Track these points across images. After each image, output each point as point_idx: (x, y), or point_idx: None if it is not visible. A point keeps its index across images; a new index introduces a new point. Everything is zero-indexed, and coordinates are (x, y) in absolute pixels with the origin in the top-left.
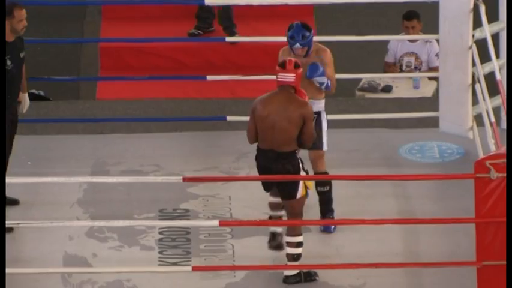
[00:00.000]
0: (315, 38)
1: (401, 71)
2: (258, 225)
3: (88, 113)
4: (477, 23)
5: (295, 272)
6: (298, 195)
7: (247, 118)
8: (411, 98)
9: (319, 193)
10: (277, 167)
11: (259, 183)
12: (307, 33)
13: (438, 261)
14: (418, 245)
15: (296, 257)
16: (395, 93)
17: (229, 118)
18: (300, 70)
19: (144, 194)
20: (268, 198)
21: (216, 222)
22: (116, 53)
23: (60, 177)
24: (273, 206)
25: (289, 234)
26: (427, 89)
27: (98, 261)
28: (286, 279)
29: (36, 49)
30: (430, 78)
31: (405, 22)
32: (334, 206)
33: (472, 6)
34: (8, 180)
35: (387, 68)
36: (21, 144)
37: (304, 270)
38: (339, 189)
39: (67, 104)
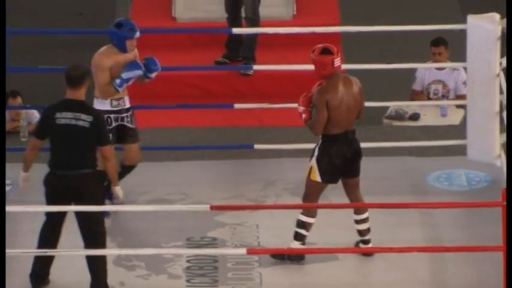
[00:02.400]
0: (343, 66)
1: (429, 98)
2: (285, 253)
3: None
4: (505, 51)
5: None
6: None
7: (274, 146)
8: (438, 125)
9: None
10: (357, 143)
11: (287, 211)
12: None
13: None
14: (445, 273)
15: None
16: (423, 121)
17: (256, 146)
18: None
19: (172, 222)
20: (309, 219)
21: (243, 251)
22: None
23: (87, 206)
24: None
25: (357, 212)
26: (454, 117)
27: None
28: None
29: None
30: (458, 106)
31: (432, 48)
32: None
33: (499, 34)
34: (35, 208)
35: (414, 95)
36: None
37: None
38: None
39: None
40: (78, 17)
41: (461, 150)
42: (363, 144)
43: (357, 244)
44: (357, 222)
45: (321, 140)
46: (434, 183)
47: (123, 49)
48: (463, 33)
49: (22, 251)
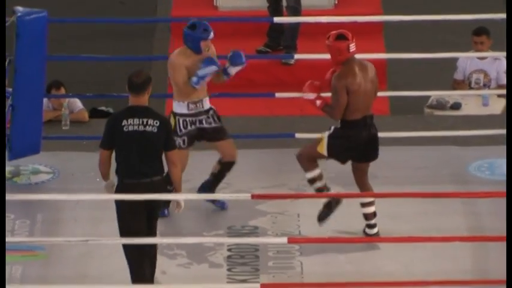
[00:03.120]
0: (385, 55)
1: (470, 88)
2: (326, 242)
3: None
4: None
5: (376, 231)
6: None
7: (315, 135)
8: (480, 115)
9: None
10: (375, 128)
11: (328, 199)
12: (207, 28)
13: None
14: (487, 262)
15: (370, 226)
16: (464, 111)
17: (297, 135)
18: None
19: (213, 211)
20: (314, 173)
21: (284, 240)
22: None
23: (128, 195)
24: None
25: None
26: (496, 106)
27: (167, 278)
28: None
29: (106, 66)
30: (499, 96)
31: (474, 37)
32: (403, 223)
33: None
34: (78, 197)
35: (456, 85)
36: (90, 161)
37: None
38: (407, 207)
39: None
40: (119, 6)
41: (502, 140)
42: (404, 134)
43: (364, 229)
44: (363, 205)
45: (340, 125)
46: (475, 172)
47: (197, 50)
48: (504, 23)
49: (64, 239)
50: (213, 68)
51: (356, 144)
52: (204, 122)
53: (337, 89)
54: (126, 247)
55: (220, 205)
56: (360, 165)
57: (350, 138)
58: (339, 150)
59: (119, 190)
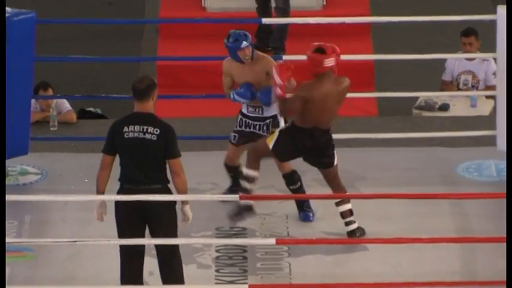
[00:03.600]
0: (373, 56)
1: (459, 89)
2: (315, 243)
3: None
4: None
5: (356, 225)
6: (335, 162)
7: None
8: (468, 116)
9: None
10: (322, 140)
11: (316, 201)
12: (247, 33)
13: (496, 280)
14: (475, 263)
15: (352, 212)
16: (453, 112)
17: None
18: (338, 51)
19: (201, 212)
20: (252, 173)
21: (272, 241)
22: (173, 71)
23: (117, 195)
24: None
25: (338, 204)
26: (484, 108)
27: (154, 279)
28: (351, 234)
29: (94, 67)
30: (488, 97)
31: (463, 38)
32: (391, 224)
33: None
34: (66, 198)
35: (444, 86)
36: (78, 162)
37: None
38: (395, 208)
39: None
40: (107, 7)
41: (491, 141)
42: (392, 135)
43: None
44: (337, 204)
45: (291, 125)
46: (463, 173)
47: (237, 59)
48: (493, 24)
49: (52, 240)
50: (242, 100)
51: (300, 149)
52: (257, 127)
53: (297, 95)
54: (121, 254)
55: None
56: (322, 171)
57: (296, 141)
58: (283, 147)
59: (118, 193)
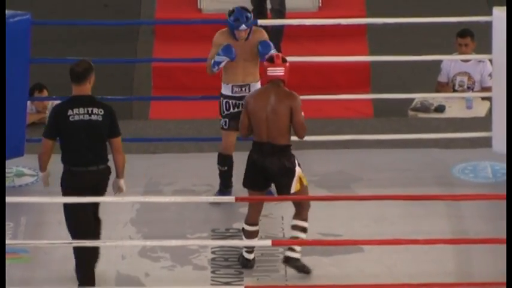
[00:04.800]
0: (369, 58)
1: (454, 90)
2: (310, 244)
3: (141, 132)
4: None
5: (297, 256)
6: (293, 190)
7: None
8: (464, 118)
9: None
10: (272, 161)
11: (312, 202)
12: (249, 15)
13: (491, 281)
14: (470, 265)
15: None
16: (448, 113)
17: None
18: (288, 63)
19: (197, 213)
20: (244, 226)
21: (268, 242)
22: (168, 73)
23: (113, 197)
24: (247, 234)
25: (296, 218)
26: (480, 109)
27: (150, 280)
28: (287, 260)
29: None
30: (483, 98)
31: (459, 39)
32: (387, 225)
33: None
34: (62, 200)
35: (440, 87)
36: None
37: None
38: (391, 209)
39: (120, 123)
40: (103, 9)
41: (486, 143)
42: (388, 136)
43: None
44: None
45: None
46: (459, 175)
47: (233, 37)
48: (488, 25)
49: (48, 242)
50: (224, 58)
51: (253, 168)
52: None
53: (243, 105)
54: (70, 228)
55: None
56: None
57: (252, 161)
58: (249, 175)
59: (66, 177)
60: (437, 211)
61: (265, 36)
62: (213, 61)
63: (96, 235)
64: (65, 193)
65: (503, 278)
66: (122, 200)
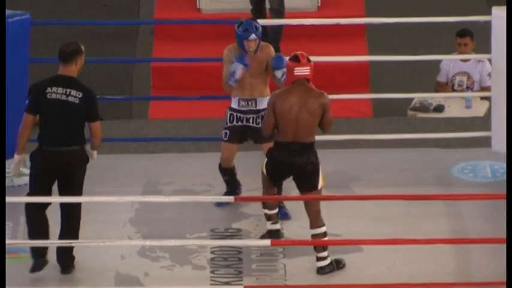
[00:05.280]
0: (368, 58)
1: (453, 90)
2: (309, 244)
3: (140, 132)
4: None
5: (328, 262)
6: (319, 187)
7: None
8: (463, 117)
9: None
10: (301, 159)
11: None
12: (258, 25)
13: (490, 281)
14: (470, 264)
15: (325, 247)
16: (448, 113)
17: None
18: (313, 63)
19: (196, 213)
20: (265, 211)
21: (267, 242)
22: (168, 73)
23: (112, 197)
24: (268, 217)
25: (313, 226)
26: (479, 109)
27: (149, 280)
28: (321, 270)
29: (88, 69)
30: (482, 98)
31: (458, 39)
32: (386, 225)
33: None
34: (60, 199)
35: (439, 87)
36: None
37: (334, 258)
38: (391, 209)
39: (119, 123)
40: (103, 8)
41: (485, 142)
42: (387, 136)
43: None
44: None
45: (274, 140)
46: (458, 174)
47: (243, 48)
48: (487, 25)
49: (47, 242)
50: (238, 65)
51: (276, 167)
52: (251, 121)
53: (268, 105)
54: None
55: (283, 215)
56: (301, 192)
57: (274, 159)
58: (269, 169)
59: (36, 154)
60: (436, 211)
61: (273, 52)
62: (232, 69)
63: (68, 231)
64: (32, 168)
65: (502, 278)
66: (121, 199)
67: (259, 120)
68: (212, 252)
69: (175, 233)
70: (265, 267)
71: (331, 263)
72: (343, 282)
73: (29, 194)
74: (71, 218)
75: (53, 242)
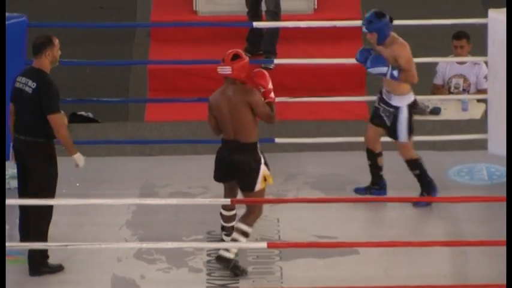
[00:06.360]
0: None
1: (450, 93)
2: (306, 247)
3: (137, 134)
4: None
5: (229, 256)
6: (257, 188)
7: (295, 140)
8: (460, 120)
9: (415, 176)
10: (238, 157)
11: (308, 204)
12: (374, 19)
13: (486, 283)
14: (466, 267)
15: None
16: (444, 116)
17: (277, 140)
18: (241, 62)
19: (193, 215)
20: (220, 210)
21: (264, 244)
22: (164, 75)
23: (108, 199)
24: (225, 219)
25: (241, 220)
26: (475, 111)
27: (146, 283)
28: (217, 258)
29: (85, 71)
30: (479, 101)
31: (454, 41)
32: (383, 227)
33: None
34: (57, 201)
35: (436, 90)
36: (69, 166)
37: (237, 262)
38: (387, 211)
39: (116, 125)
40: (99, 11)
41: (482, 145)
42: (383, 138)
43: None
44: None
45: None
46: (455, 177)
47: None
48: (484, 28)
49: (43, 244)
50: (382, 70)
51: (220, 165)
52: (381, 110)
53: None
54: None
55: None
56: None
57: (217, 157)
58: (214, 168)
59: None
60: (433, 213)
61: (399, 49)
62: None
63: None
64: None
65: (499, 280)
66: (117, 202)
67: (387, 114)
68: (208, 255)
69: (171, 235)
70: (262, 269)
71: (231, 260)
72: (339, 284)
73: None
74: (34, 214)
75: (49, 245)
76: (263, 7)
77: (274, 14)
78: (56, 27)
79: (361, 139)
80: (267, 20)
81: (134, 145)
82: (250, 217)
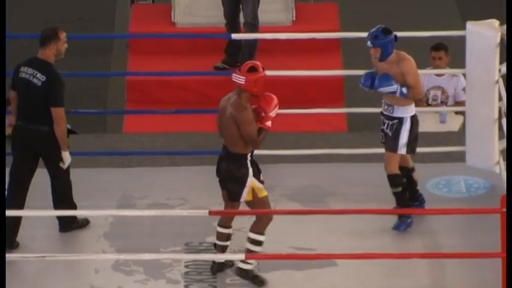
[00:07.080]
0: (342, 72)
1: (428, 105)
2: (284, 258)
3: (115, 146)
4: (504, 58)
5: (248, 267)
6: (242, 199)
7: (274, 152)
8: (437, 132)
9: (393, 194)
10: (223, 166)
11: (285, 216)
12: (380, 35)
13: None
14: (444, 279)
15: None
16: (422, 128)
17: (256, 152)
18: (257, 75)
19: (170, 227)
20: (216, 228)
21: (242, 256)
22: (142, 87)
23: (86, 211)
24: (220, 236)
25: (252, 230)
26: (453, 123)
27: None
28: (237, 270)
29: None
30: (457, 113)
31: (433, 53)
32: (361, 239)
33: (498, 40)
34: (34, 213)
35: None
36: (48, 178)
37: (257, 273)
38: (365, 223)
39: (94, 137)
40: (77, 22)
41: (460, 157)
42: (361, 150)
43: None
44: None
45: None
46: (433, 189)
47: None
48: (462, 40)
49: (21, 256)
50: (390, 89)
51: (217, 168)
52: (385, 126)
53: None
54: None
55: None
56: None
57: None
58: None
59: (13, 130)
60: (411, 226)
61: (407, 65)
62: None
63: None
64: (12, 145)
65: None
66: (95, 213)
67: (393, 127)
68: (186, 267)
69: (149, 247)
70: (240, 281)
71: (251, 271)
72: None
73: (12, 165)
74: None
75: (26, 256)
76: (241, 19)
77: (253, 25)
78: (35, 38)
79: (340, 151)
80: (245, 31)
81: (112, 156)
82: (259, 224)
